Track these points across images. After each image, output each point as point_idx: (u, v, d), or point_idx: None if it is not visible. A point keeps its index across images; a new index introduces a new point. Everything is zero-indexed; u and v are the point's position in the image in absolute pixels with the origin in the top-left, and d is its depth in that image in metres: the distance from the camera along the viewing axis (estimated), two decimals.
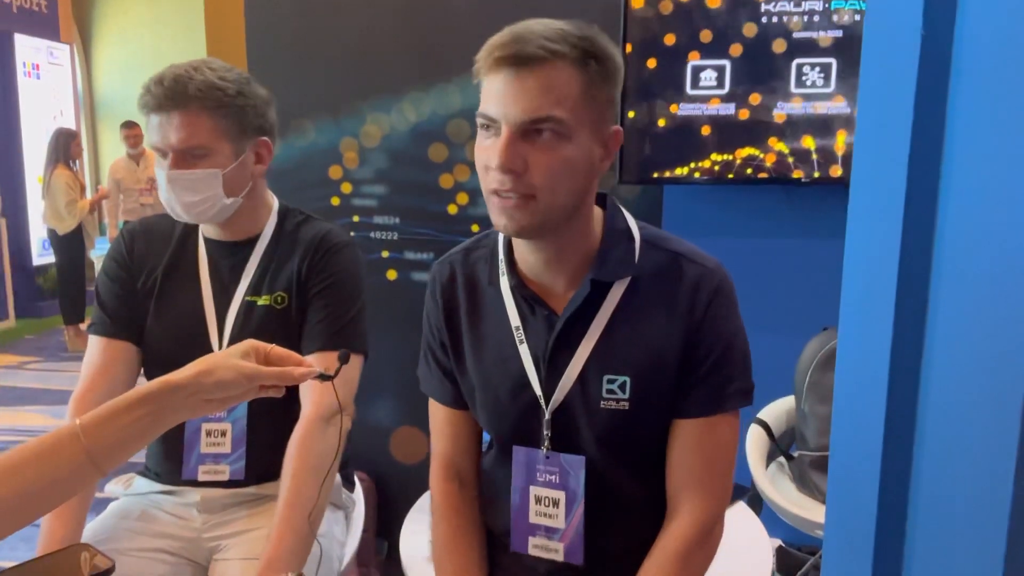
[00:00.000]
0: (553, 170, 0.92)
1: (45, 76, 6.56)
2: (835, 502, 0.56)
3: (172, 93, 1.23)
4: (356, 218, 2.12)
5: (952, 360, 0.45)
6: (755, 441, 1.83)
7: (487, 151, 0.94)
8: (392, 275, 2.12)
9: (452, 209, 2.07)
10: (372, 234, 2.12)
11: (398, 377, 2.07)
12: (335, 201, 2.12)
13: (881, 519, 0.49)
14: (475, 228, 2.05)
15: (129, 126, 5.83)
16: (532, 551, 1.08)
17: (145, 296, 1.37)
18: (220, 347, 1.34)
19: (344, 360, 0.96)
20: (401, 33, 2.02)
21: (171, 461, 1.35)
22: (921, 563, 0.49)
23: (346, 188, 2.11)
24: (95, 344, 1.37)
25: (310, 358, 1.31)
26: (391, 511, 2.17)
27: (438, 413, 1.18)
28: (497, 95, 0.92)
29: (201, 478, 1.34)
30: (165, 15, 7.44)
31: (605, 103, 0.96)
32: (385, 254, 2.11)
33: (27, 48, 6.34)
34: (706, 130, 2.00)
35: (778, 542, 2.08)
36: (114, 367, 1.35)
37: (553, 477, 1.06)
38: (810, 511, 1.67)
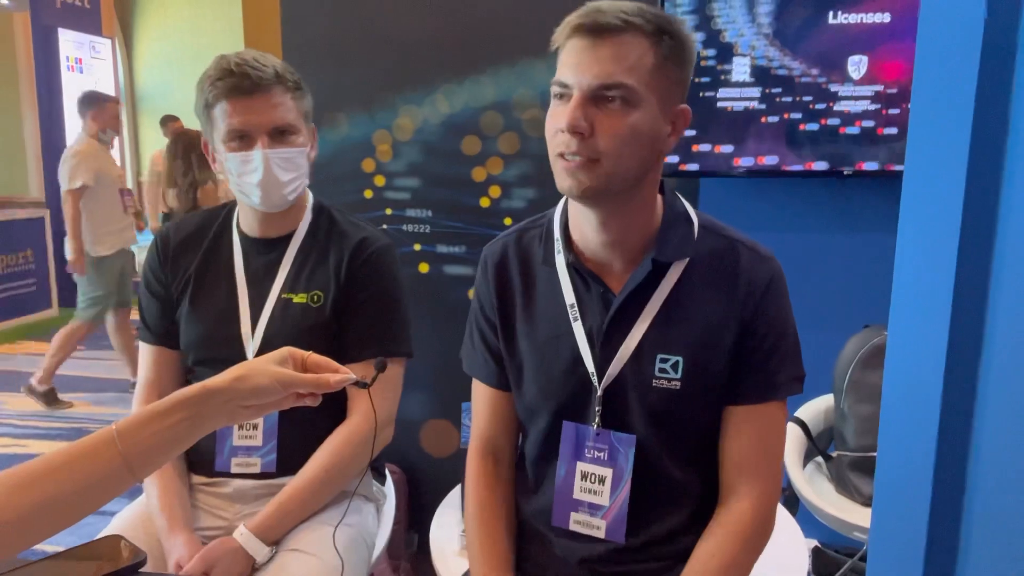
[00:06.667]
0: (619, 135, 0.95)
1: (88, 70, 6.70)
2: (882, 507, 0.53)
3: (252, 77, 1.25)
4: (389, 211, 2.12)
5: (1013, 361, 0.43)
6: (792, 440, 1.79)
7: (558, 116, 0.97)
8: (424, 268, 2.12)
9: (484, 202, 2.06)
10: (404, 227, 2.12)
11: (430, 370, 2.07)
12: (368, 194, 2.12)
13: (933, 527, 0.47)
14: (508, 221, 2.04)
15: (170, 120, 5.92)
16: (573, 526, 1.10)
17: (179, 296, 1.39)
18: (253, 343, 1.35)
19: (380, 368, 0.95)
20: (434, 25, 2.01)
21: (205, 452, 1.36)
22: (975, 573, 0.47)
23: (379, 181, 2.11)
24: (144, 351, 1.43)
25: (359, 365, 1.33)
26: (422, 504, 2.17)
27: (481, 393, 1.20)
28: (572, 62, 0.95)
29: (234, 470, 1.35)
30: (204, 9, 7.54)
31: (676, 81, 0.99)
32: (417, 247, 2.11)
33: (70, 43, 6.47)
34: (745, 120, 1.96)
35: (814, 543, 2.04)
36: (163, 372, 1.41)
37: (601, 454, 1.08)
38: (849, 513, 1.64)
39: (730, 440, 1.06)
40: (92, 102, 4.18)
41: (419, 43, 2.02)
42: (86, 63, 6.68)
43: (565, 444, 1.10)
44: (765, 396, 1.05)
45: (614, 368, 1.05)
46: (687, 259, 1.05)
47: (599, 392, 1.06)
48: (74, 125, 6.22)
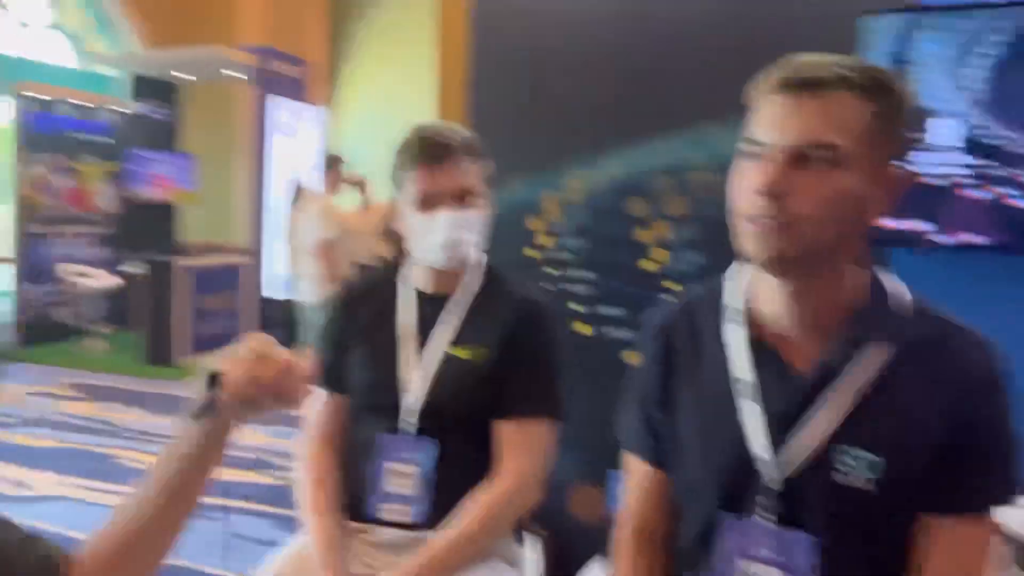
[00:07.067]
0: (821, 199, 0.86)
1: (294, 134, 7.43)
2: None
3: (442, 145, 1.35)
4: (552, 270, 2.13)
5: None
6: (994, 548, 1.56)
7: (749, 176, 0.89)
8: (584, 329, 2.10)
9: (650, 266, 2.02)
10: (567, 287, 2.12)
11: (582, 432, 2.02)
12: (533, 254, 2.15)
13: None
14: (671, 285, 1.98)
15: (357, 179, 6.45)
16: None
17: (350, 343, 1.47)
18: (415, 394, 1.38)
19: (209, 385, 0.83)
20: (606, 89, 2.04)
21: (357, 496, 1.40)
22: None
23: (545, 241, 2.14)
24: (318, 396, 1.50)
25: (509, 423, 1.37)
26: (564, 569, 2.10)
27: (636, 469, 1.10)
28: (772, 117, 0.88)
29: (384, 516, 1.37)
30: (401, 83, 8.18)
31: (891, 141, 0.89)
32: (579, 308, 2.10)
33: (281, 108, 7.22)
34: (945, 195, 1.79)
35: None
36: (331, 416, 1.48)
37: (773, 554, 0.95)
38: None
39: (926, 555, 0.92)
40: (333, 163, 4.78)
41: (591, 107, 2.05)
42: (293, 127, 7.41)
43: (729, 539, 0.97)
44: (972, 507, 0.91)
45: (793, 458, 0.93)
46: (891, 343, 0.92)
47: (772, 485, 0.94)
48: (278, 185, 6.88)
